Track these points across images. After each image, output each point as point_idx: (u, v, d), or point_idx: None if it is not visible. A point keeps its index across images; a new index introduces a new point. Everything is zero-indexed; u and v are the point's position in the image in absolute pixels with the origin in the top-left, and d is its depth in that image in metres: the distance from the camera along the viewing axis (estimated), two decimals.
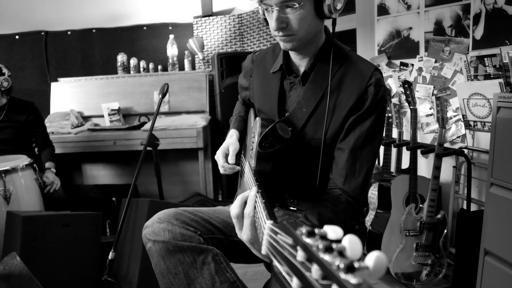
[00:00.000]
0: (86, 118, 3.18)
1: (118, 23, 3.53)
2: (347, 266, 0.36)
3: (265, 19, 1.03)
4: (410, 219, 1.92)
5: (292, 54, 1.08)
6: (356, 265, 0.37)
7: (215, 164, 3.20)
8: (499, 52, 1.75)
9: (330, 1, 0.90)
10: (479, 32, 1.90)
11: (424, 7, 2.17)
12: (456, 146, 2.07)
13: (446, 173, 2.10)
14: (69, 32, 3.50)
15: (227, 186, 3.26)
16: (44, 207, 2.14)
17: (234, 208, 0.83)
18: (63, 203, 2.28)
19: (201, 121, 2.91)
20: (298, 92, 1.08)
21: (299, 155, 1.08)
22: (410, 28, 2.28)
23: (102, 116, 3.11)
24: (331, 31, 1.04)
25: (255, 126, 1.14)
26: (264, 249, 0.61)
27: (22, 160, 2.07)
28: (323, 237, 0.43)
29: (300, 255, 0.43)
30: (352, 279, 0.35)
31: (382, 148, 2.34)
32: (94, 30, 3.53)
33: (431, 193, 1.89)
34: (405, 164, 2.30)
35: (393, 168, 2.31)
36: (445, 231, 1.92)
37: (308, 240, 0.43)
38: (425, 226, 1.90)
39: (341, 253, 0.39)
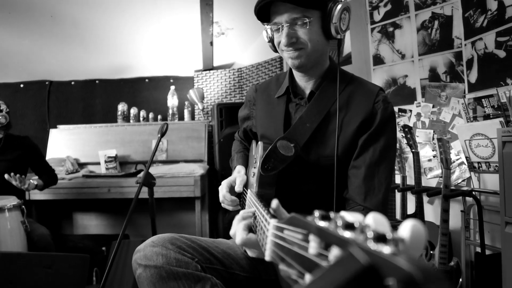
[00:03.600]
0: (82, 165, 3.12)
1: (121, 75, 3.63)
2: (377, 236, 0.30)
3: (271, 41, 1.05)
4: None
5: (298, 77, 1.08)
6: (388, 235, 0.30)
7: (212, 215, 3.10)
8: (496, 93, 1.78)
9: (336, 20, 0.92)
10: (473, 76, 1.95)
11: (418, 55, 2.26)
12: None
13: (454, 219, 2.01)
14: (72, 83, 3.59)
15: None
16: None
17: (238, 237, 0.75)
18: (49, 250, 2.12)
19: (199, 169, 2.85)
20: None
21: (306, 176, 1.02)
22: (406, 76, 2.35)
23: (99, 163, 3.06)
24: (334, 58, 1.06)
25: (257, 152, 1.10)
26: (268, 254, 0.53)
27: (10, 200, 1.97)
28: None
29: (314, 245, 0.36)
30: (384, 248, 0.28)
31: None
32: (97, 81, 3.63)
33: (441, 238, 1.78)
34: (410, 209, 2.21)
35: (398, 214, 2.22)
36: (460, 280, 1.78)
37: (322, 224, 0.36)
38: None
39: (364, 231, 0.32)
